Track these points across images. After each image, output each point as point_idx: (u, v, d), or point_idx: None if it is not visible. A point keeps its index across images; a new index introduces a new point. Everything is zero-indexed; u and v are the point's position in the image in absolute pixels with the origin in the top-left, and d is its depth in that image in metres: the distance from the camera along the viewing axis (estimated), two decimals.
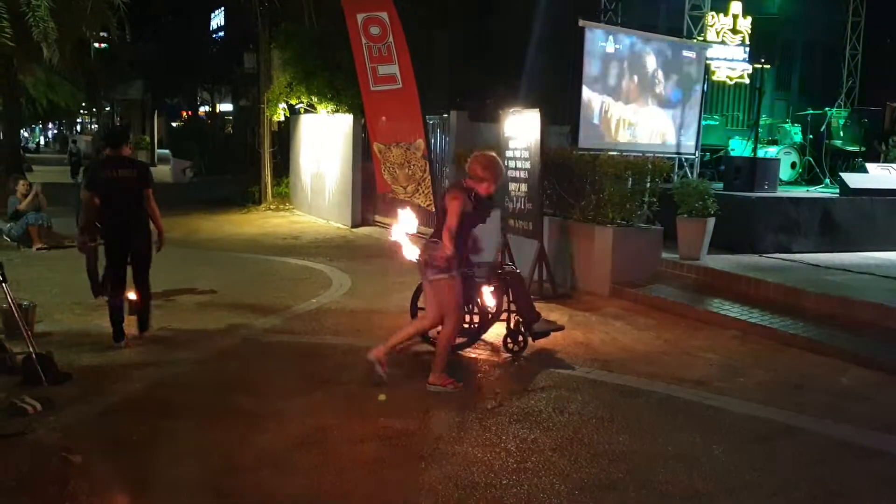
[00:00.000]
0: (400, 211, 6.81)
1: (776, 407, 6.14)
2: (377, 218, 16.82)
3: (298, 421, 5.67)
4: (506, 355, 7.38)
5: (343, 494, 4.57)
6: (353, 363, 7.05)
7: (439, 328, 6.56)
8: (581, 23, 10.95)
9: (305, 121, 19.78)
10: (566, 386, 6.57)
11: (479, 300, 7.30)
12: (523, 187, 10.17)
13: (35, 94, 22.78)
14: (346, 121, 17.33)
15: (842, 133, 14.68)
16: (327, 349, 7.53)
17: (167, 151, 39.09)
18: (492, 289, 7.33)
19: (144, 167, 7.75)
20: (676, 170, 12.40)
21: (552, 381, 6.68)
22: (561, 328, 7.82)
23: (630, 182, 10.14)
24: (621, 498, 4.60)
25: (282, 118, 20.51)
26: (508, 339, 7.43)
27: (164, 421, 5.62)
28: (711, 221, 10.32)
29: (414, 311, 7.56)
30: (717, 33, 14.23)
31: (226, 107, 41.87)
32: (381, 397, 6.15)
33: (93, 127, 58.81)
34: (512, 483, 4.72)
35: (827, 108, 14.90)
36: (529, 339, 7.42)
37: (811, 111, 14.99)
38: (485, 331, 7.51)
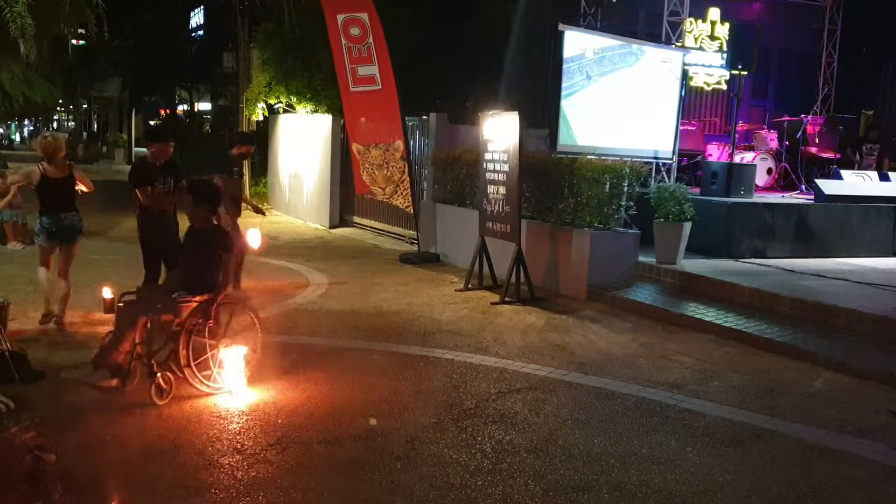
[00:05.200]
0: None
1: (749, 410, 6.20)
2: (355, 219, 16.81)
3: (273, 420, 5.66)
4: (482, 358, 7.40)
5: (318, 494, 4.56)
6: (328, 363, 7.06)
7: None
8: (560, 26, 10.99)
9: (284, 121, 19.73)
10: (542, 388, 6.60)
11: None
12: (501, 190, 10.19)
13: (11, 91, 22.58)
14: (325, 121, 17.30)
15: (817, 140, 14.82)
16: (303, 349, 7.52)
17: (145, 150, 38.87)
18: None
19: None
20: (654, 174, 12.46)
21: (528, 383, 6.70)
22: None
23: (607, 186, 10.18)
24: (595, 499, 4.63)
25: (260, 118, 20.46)
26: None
27: (138, 419, 5.59)
28: (688, 226, 10.38)
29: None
30: (696, 39, 14.33)
31: (204, 106, 41.70)
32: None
33: (70, 124, 58.38)
34: (487, 484, 4.74)
35: (803, 115, 15.03)
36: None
37: (787, 118, 15.13)
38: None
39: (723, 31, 14.44)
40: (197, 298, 6.20)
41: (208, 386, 6.12)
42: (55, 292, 7.93)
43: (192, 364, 6.05)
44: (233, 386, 6.16)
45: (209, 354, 6.15)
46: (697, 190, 12.50)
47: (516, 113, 9.97)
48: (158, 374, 5.90)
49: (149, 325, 6.03)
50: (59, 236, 7.85)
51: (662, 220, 10.38)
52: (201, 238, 6.54)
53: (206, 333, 6.18)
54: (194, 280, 6.36)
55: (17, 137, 68.71)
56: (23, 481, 4.59)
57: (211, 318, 6.20)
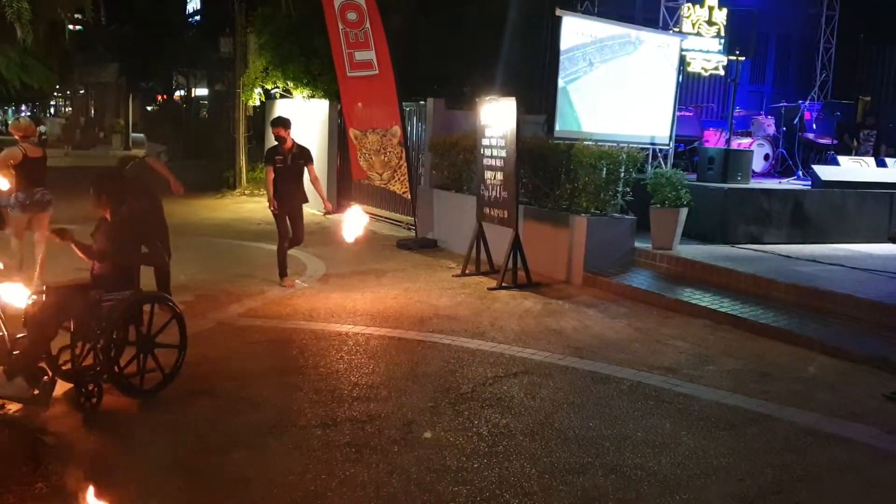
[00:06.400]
0: None
1: (744, 394, 6.24)
2: (353, 205, 16.75)
3: (272, 404, 5.69)
4: (479, 342, 7.43)
5: (315, 477, 4.60)
6: (326, 347, 7.09)
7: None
8: (558, 12, 10.95)
9: (281, 106, 19.65)
10: (538, 372, 6.63)
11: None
12: (499, 175, 10.20)
13: (7, 76, 22.55)
14: (322, 106, 17.25)
15: (815, 126, 14.82)
16: (301, 333, 7.55)
17: (142, 135, 38.75)
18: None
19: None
20: (650, 160, 12.47)
21: (524, 368, 6.74)
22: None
23: (604, 172, 10.20)
24: (590, 481, 4.67)
25: (257, 103, 20.39)
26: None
27: (138, 402, 5.61)
28: (684, 212, 10.40)
29: None
30: (693, 25, 14.28)
31: (201, 91, 41.57)
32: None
33: (66, 110, 58.12)
34: (483, 466, 4.78)
35: (800, 101, 15.03)
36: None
37: (785, 104, 15.12)
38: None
39: (720, 16, 14.39)
40: (118, 296, 5.66)
41: (136, 389, 5.64)
42: (33, 257, 8.73)
43: (121, 366, 5.59)
44: (162, 386, 5.77)
45: (137, 355, 5.68)
46: (694, 176, 12.51)
47: (513, 98, 9.96)
48: (84, 380, 5.44)
49: (71, 326, 5.50)
50: (32, 208, 8.64)
51: (659, 205, 10.39)
52: (116, 230, 5.89)
53: (132, 333, 5.70)
54: (112, 275, 5.81)
55: None
56: (23, 462, 4.62)
57: (136, 316, 5.73)
